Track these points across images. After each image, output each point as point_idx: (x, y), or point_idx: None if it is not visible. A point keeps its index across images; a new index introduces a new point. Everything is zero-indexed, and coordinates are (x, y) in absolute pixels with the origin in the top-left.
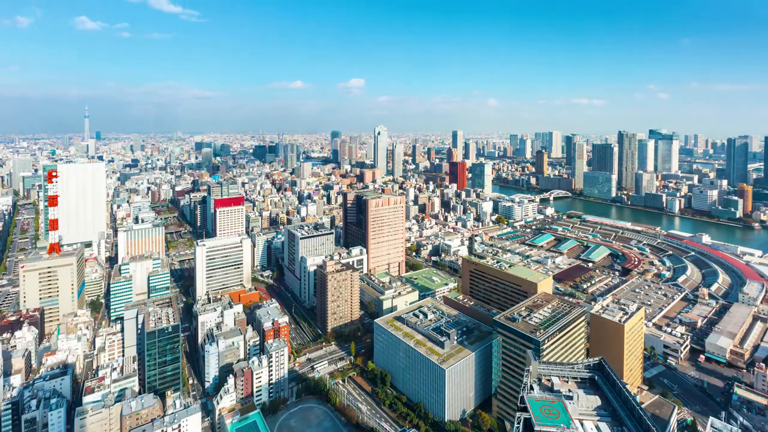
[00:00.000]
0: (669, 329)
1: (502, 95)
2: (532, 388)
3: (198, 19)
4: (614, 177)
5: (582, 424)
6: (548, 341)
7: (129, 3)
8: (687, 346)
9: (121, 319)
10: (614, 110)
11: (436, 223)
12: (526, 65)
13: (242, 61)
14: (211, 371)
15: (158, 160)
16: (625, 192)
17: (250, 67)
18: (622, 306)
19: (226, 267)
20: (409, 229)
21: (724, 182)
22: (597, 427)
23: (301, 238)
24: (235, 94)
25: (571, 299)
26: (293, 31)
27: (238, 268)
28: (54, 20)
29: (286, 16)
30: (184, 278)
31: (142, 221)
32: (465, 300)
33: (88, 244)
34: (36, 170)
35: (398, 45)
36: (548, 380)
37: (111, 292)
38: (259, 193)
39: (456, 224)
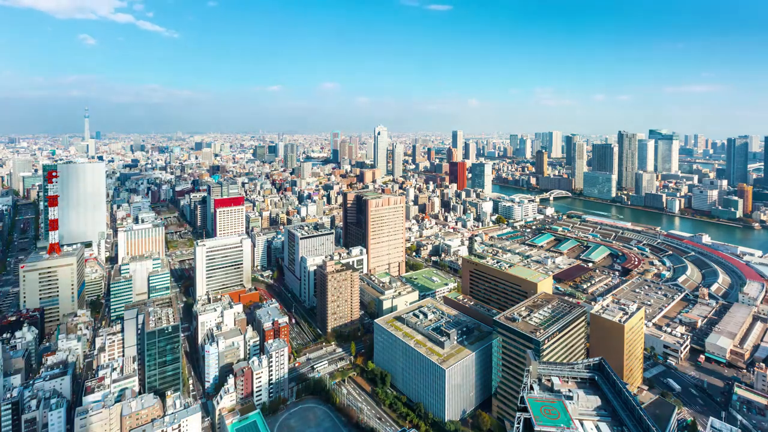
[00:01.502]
0: (669, 329)
1: (496, 96)
2: (532, 388)
3: (178, 36)
4: (614, 177)
5: (582, 424)
6: (548, 341)
7: (120, 24)
8: (687, 346)
9: (121, 319)
10: (611, 111)
11: (436, 223)
12: (522, 65)
13: (227, 66)
14: (211, 371)
15: (158, 160)
16: (625, 192)
17: (238, 70)
18: (622, 306)
19: (226, 267)
20: (409, 229)
21: (724, 182)
22: (597, 427)
23: (301, 238)
24: (218, 96)
25: (571, 299)
26: (279, 37)
27: (238, 268)
28: (60, 38)
29: (272, 23)
30: (184, 278)
31: (142, 221)
32: (465, 300)
33: (88, 244)
34: (36, 170)
35: (398, 46)
36: (548, 380)
37: (111, 292)
38: (259, 193)
39: (456, 224)
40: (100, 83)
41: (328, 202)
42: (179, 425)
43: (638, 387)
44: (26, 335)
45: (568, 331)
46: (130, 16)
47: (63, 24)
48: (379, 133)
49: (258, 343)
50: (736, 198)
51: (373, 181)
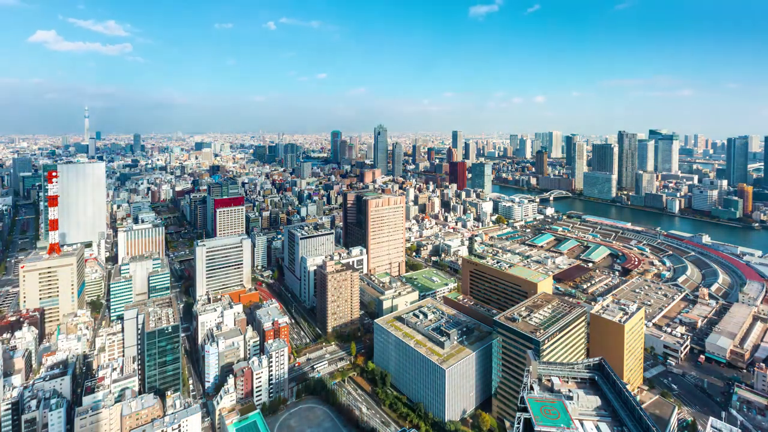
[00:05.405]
0: (669, 329)
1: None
2: (532, 388)
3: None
4: (614, 177)
5: (582, 425)
6: (548, 341)
7: (109, 56)
8: (687, 346)
9: (121, 319)
10: (611, 110)
11: (436, 223)
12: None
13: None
14: (211, 371)
15: (158, 160)
16: (625, 192)
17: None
18: (622, 306)
19: (226, 267)
20: (409, 229)
21: (724, 182)
22: (597, 428)
23: (301, 238)
24: (216, 96)
25: (571, 299)
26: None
27: (238, 268)
28: (71, 65)
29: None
30: (184, 278)
31: (142, 221)
32: (465, 300)
33: (88, 244)
34: (36, 170)
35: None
36: (548, 380)
37: (111, 292)
38: (259, 193)
39: (456, 224)
40: (100, 88)
41: (328, 202)
42: (179, 425)
43: (638, 387)
44: (26, 335)
45: (568, 331)
46: (119, 53)
47: (76, 56)
48: (379, 133)
49: (258, 343)
50: (736, 198)
51: (373, 181)
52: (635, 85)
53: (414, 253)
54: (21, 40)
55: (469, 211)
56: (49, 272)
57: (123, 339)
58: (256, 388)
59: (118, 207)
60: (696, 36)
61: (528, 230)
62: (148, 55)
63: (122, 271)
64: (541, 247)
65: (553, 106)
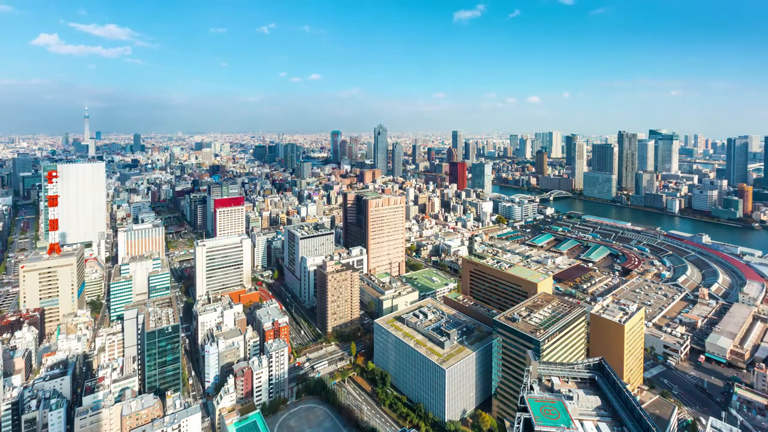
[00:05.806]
0: (669, 329)
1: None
2: (532, 388)
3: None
4: (614, 177)
5: (582, 425)
6: (548, 341)
7: (108, 59)
8: (687, 346)
9: (121, 319)
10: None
11: (436, 223)
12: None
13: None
14: (211, 371)
15: (158, 160)
16: (625, 192)
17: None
18: (622, 306)
19: (226, 267)
20: (409, 229)
21: (724, 182)
22: (597, 428)
23: (301, 238)
24: (216, 97)
25: (571, 299)
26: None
27: (238, 268)
28: (71, 67)
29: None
30: (184, 278)
31: (142, 221)
32: (465, 300)
33: (88, 244)
34: (36, 170)
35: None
36: (548, 380)
37: (111, 292)
38: (259, 193)
39: (456, 224)
40: (100, 89)
41: (328, 202)
42: (179, 425)
43: (638, 387)
44: (26, 335)
45: (568, 331)
46: (119, 55)
47: (77, 59)
48: (379, 133)
49: (258, 343)
50: (736, 198)
51: (373, 181)
52: (626, 85)
53: (414, 253)
54: (23, 43)
55: (469, 211)
56: (49, 272)
57: (123, 339)
58: (256, 388)
59: (118, 207)
60: (684, 36)
61: (528, 230)
62: (147, 57)
63: (122, 271)
64: (541, 247)
65: (547, 105)
